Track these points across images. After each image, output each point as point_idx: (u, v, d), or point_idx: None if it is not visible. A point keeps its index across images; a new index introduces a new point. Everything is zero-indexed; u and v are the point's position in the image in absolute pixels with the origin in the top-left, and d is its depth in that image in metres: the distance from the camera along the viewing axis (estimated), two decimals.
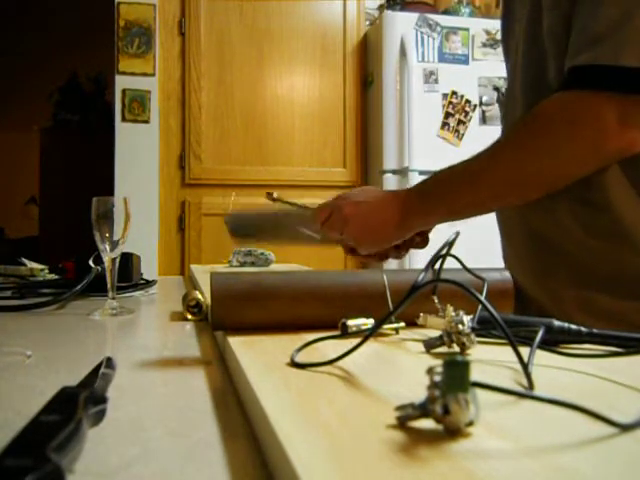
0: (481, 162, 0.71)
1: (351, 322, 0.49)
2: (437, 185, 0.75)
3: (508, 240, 0.86)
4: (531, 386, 0.34)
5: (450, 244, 0.53)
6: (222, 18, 2.69)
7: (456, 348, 0.44)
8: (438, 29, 2.58)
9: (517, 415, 0.29)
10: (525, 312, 0.67)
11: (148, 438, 0.33)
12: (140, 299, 0.97)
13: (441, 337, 0.44)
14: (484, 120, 2.60)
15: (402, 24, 2.54)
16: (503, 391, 0.28)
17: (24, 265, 1.22)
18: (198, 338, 0.61)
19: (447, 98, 2.56)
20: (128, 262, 1.00)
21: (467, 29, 2.61)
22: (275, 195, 0.88)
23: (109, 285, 0.78)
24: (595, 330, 0.48)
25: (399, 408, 0.28)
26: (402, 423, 0.27)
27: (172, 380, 0.46)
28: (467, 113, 2.57)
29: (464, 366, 0.26)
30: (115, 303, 0.78)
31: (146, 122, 2.57)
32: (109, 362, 0.42)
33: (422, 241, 0.83)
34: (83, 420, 0.28)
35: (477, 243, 2.09)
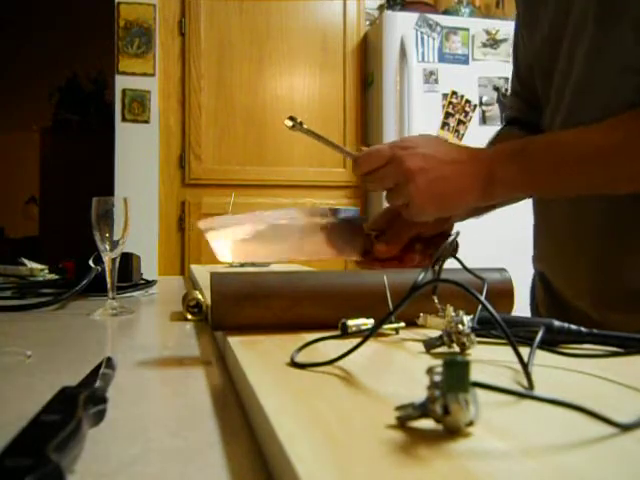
0: (610, 137, 0.60)
1: (351, 322, 0.49)
2: (542, 158, 0.63)
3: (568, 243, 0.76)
4: (531, 386, 0.34)
5: (450, 244, 0.53)
6: (222, 18, 2.69)
7: (456, 348, 0.44)
8: (438, 29, 2.58)
9: (517, 415, 0.29)
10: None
11: (148, 438, 0.33)
12: (140, 299, 0.97)
13: (441, 337, 0.44)
14: (484, 120, 2.60)
15: (402, 24, 2.54)
16: (503, 391, 0.28)
17: (24, 265, 1.22)
18: (198, 338, 0.61)
19: (447, 98, 2.56)
20: (128, 262, 1.00)
21: (467, 29, 2.61)
22: (299, 120, 0.69)
23: (109, 285, 0.78)
24: (595, 330, 0.48)
25: (399, 408, 0.28)
26: (402, 423, 0.27)
27: (172, 380, 0.46)
28: (467, 113, 2.57)
29: (464, 366, 0.26)
30: (115, 303, 0.78)
31: (146, 122, 2.57)
32: (109, 362, 0.42)
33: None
34: (83, 420, 0.28)
35: (477, 243, 2.09)
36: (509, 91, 0.96)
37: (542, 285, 0.83)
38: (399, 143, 0.65)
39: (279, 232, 0.61)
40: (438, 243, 0.67)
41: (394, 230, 0.69)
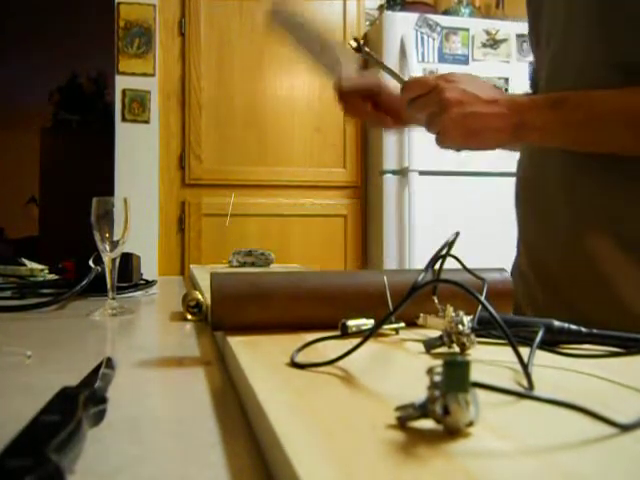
0: None
1: (351, 322, 0.49)
2: (580, 110, 0.65)
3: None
4: (531, 386, 0.34)
5: (450, 244, 0.53)
6: (222, 18, 2.69)
7: (456, 348, 0.44)
8: (438, 29, 2.58)
9: (517, 415, 0.29)
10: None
11: (148, 438, 0.33)
12: (140, 299, 0.97)
13: (441, 337, 0.44)
14: None
15: (402, 24, 2.54)
16: (503, 391, 0.28)
17: (24, 265, 1.22)
18: (198, 338, 0.61)
19: None
20: (128, 262, 1.00)
21: (467, 29, 2.61)
22: (362, 42, 0.80)
23: (109, 285, 0.78)
24: (595, 330, 0.48)
25: (399, 408, 0.28)
26: (402, 423, 0.27)
27: (172, 380, 0.46)
28: None
29: (464, 366, 0.26)
30: (115, 303, 0.78)
31: (146, 122, 2.57)
32: (109, 362, 0.42)
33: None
34: (83, 420, 0.28)
35: (477, 243, 2.09)
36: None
37: (522, 282, 0.83)
38: (446, 76, 0.68)
39: None
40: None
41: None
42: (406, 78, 0.72)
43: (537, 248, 0.81)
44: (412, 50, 2.50)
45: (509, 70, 2.61)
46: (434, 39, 2.57)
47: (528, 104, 0.67)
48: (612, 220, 0.70)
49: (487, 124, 0.66)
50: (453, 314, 0.45)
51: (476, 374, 0.26)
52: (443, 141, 0.68)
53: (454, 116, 0.65)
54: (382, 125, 0.89)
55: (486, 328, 0.48)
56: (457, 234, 0.54)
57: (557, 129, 0.66)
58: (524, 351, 0.37)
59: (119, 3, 2.57)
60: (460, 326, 0.44)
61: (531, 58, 0.97)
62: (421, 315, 0.53)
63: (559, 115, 0.65)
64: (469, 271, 0.56)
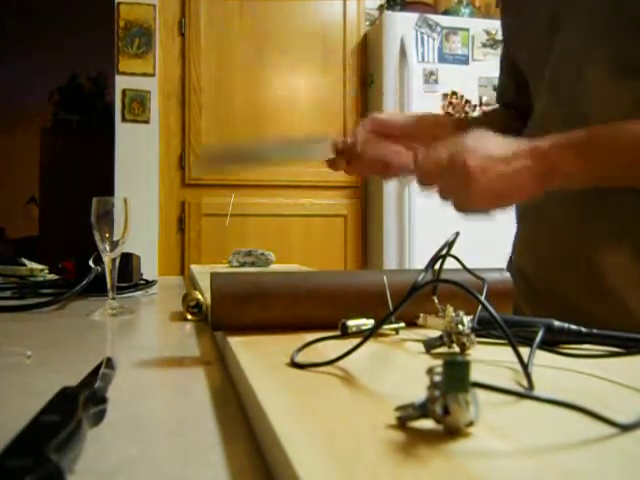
0: None
1: (351, 322, 0.49)
2: (607, 151, 0.63)
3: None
4: (531, 386, 0.34)
5: (450, 244, 0.53)
6: (222, 18, 2.70)
7: (456, 348, 0.44)
8: (438, 29, 2.58)
9: (517, 415, 0.29)
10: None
11: (148, 438, 0.33)
12: (140, 299, 0.97)
13: (441, 337, 0.44)
14: None
15: (402, 24, 2.54)
16: (503, 391, 0.28)
17: (24, 265, 1.22)
18: (198, 338, 0.61)
19: (447, 98, 2.56)
20: (128, 262, 1.00)
21: (467, 29, 2.61)
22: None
23: (109, 285, 0.78)
24: (595, 330, 0.48)
25: (399, 408, 0.28)
26: (402, 423, 0.27)
27: (172, 380, 0.46)
28: (467, 113, 2.57)
29: (464, 366, 0.26)
30: (115, 303, 0.78)
31: (146, 122, 2.57)
32: (109, 362, 0.42)
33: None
34: (83, 420, 0.28)
35: (477, 243, 2.09)
36: (499, 70, 0.99)
37: (522, 281, 0.83)
38: (455, 143, 0.64)
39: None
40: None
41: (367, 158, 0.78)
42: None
43: (543, 261, 0.80)
44: (412, 50, 2.51)
45: None
46: (434, 39, 2.57)
47: (553, 149, 0.62)
48: (626, 233, 0.69)
49: (515, 183, 0.62)
50: (453, 314, 0.45)
51: (476, 374, 0.26)
52: (472, 211, 0.64)
53: (482, 186, 0.61)
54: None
55: (486, 328, 0.48)
56: (457, 234, 0.54)
57: (588, 174, 0.63)
58: (524, 351, 0.37)
59: (119, 3, 2.57)
60: (460, 326, 0.44)
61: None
62: (421, 315, 0.53)
63: (586, 159, 0.62)
64: (469, 271, 0.56)
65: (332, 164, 0.81)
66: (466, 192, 0.62)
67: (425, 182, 0.66)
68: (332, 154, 0.79)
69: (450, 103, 2.57)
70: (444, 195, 0.65)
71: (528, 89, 0.86)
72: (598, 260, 0.71)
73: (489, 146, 0.63)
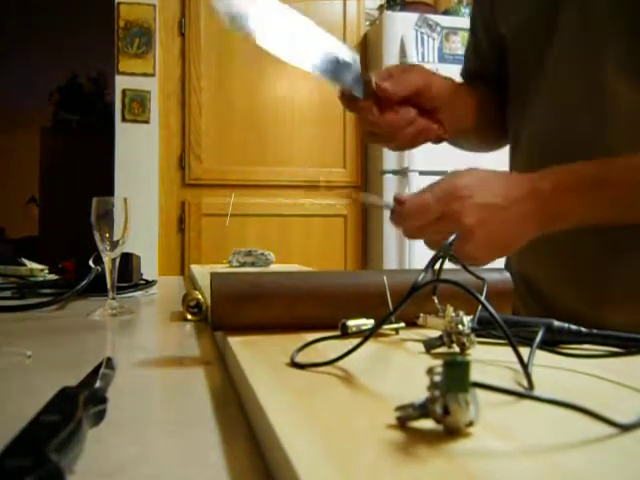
0: None
1: (351, 322, 0.49)
2: (615, 192, 0.58)
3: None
4: (531, 386, 0.34)
5: (450, 244, 0.53)
6: None
7: (456, 348, 0.44)
8: (438, 29, 2.58)
9: (517, 415, 0.29)
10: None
11: (148, 438, 0.33)
12: (140, 299, 0.97)
13: (441, 337, 0.44)
14: None
15: (402, 24, 2.54)
16: (503, 391, 0.28)
17: (24, 265, 1.22)
18: (198, 338, 0.61)
19: None
20: (128, 262, 1.00)
21: (467, 29, 2.60)
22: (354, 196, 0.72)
23: (109, 285, 0.78)
24: (595, 330, 0.48)
25: (399, 408, 0.28)
26: (402, 423, 0.27)
27: (172, 380, 0.46)
28: None
29: (464, 366, 0.26)
30: (115, 303, 0.78)
31: (146, 122, 2.57)
32: (109, 362, 0.42)
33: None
34: (83, 420, 0.28)
35: None
36: (468, 42, 0.93)
37: (524, 287, 0.80)
38: (447, 194, 0.55)
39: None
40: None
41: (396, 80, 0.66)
42: (391, 203, 0.58)
43: (555, 279, 0.75)
44: (412, 50, 2.51)
45: None
46: (434, 39, 2.57)
47: (557, 193, 0.56)
48: None
49: (516, 232, 0.57)
50: (453, 314, 0.45)
51: (476, 374, 0.26)
52: (472, 264, 0.56)
53: (482, 241, 0.55)
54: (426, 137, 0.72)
55: (486, 328, 0.48)
56: (457, 234, 0.54)
57: (596, 216, 0.58)
58: (524, 351, 0.37)
59: (119, 3, 2.57)
60: (460, 326, 0.44)
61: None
62: (421, 315, 0.53)
63: (598, 201, 0.57)
64: (469, 271, 0.56)
65: (356, 105, 0.68)
66: (461, 249, 0.54)
67: (412, 237, 0.59)
68: (360, 91, 0.66)
69: None
70: (434, 248, 0.58)
71: (505, 60, 0.80)
72: (612, 272, 0.68)
73: (484, 191, 0.56)
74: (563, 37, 0.69)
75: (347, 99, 0.67)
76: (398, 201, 0.57)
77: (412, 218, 0.56)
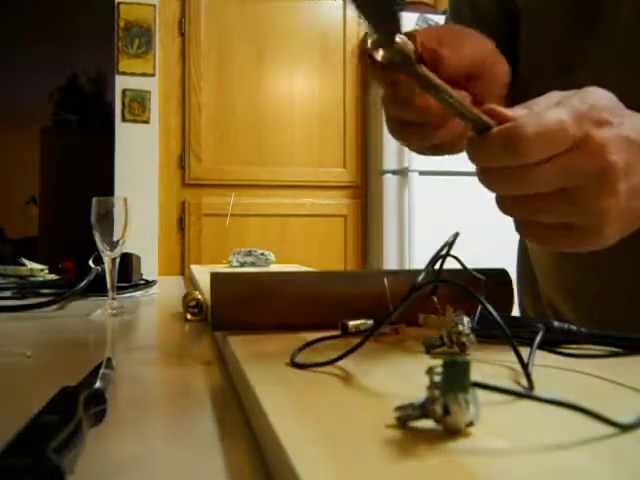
0: None
1: (351, 322, 0.49)
2: None
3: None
4: (531, 386, 0.34)
5: (450, 244, 0.53)
6: (222, 18, 2.70)
7: (456, 348, 0.44)
8: None
9: (517, 415, 0.29)
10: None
11: (148, 438, 0.33)
12: (140, 299, 0.97)
13: (441, 337, 0.44)
14: None
15: (402, 24, 2.54)
16: (503, 391, 0.28)
17: (24, 265, 1.22)
18: (198, 338, 0.61)
19: None
20: (128, 262, 1.00)
21: None
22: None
23: (109, 285, 0.78)
24: (595, 330, 0.48)
25: (399, 408, 0.28)
26: (402, 423, 0.27)
27: (172, 380, 0.46)
28: None
29: (464, 366, 0.26)
30: (115, 303, 0.78)
31: (146, 122, 2.57)
32: (109, 362, 0.42)
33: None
34: (83, 420, 0.28)
35: (477, 243, 2.09)
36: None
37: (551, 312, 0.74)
38: (585, 107, 0.35)
39: None
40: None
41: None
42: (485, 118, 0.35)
43: (581, 296, 0.67)
44: None
45: None
46: None
47: None
48: None
49: None
50: (453, 314, 0.45)
51: (476, 374, 0.26)
52: (594, 243, 0.38)
53: (622, 200, 0.35)
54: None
55: (486, 328, 0.48)
56: (457, 234, 0.54)
57: None
58: (524, 351, 0.37)
59: (119, 3, 2.57)
60: (460, 326, 0.44)
61: None
62: (421, 315, 0.53)
63: None
64: (469, 271, 0.56)
65: (387, 74, 0.42)
66: (597, 207, 0.36)
67: (520, 189, 0.36)
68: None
69: None
70: (552, 218, 0.37)
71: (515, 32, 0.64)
72: None
73: (635, 121, 0.37)
74: (613, 31, 0.56)
75: (376, 64, 0.38)
76: (502, 117, 0.34)
77: (534, 145, 0.33)
